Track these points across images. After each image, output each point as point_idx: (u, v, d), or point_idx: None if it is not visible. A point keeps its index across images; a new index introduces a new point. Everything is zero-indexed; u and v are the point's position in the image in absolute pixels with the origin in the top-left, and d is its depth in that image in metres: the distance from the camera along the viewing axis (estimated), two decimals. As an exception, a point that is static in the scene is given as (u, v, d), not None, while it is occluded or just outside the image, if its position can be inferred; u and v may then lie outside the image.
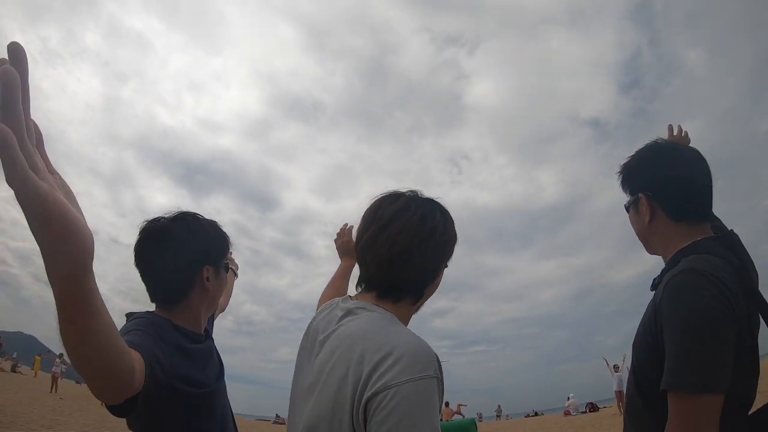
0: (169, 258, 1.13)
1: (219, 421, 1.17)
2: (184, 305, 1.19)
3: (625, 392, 1.32)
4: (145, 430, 1.04)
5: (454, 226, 1.02)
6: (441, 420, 0.94)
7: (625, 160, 1.25)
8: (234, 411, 1.32)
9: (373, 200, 1.02)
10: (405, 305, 0.96)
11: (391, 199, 0.99)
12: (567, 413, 20.74)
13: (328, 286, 1.49)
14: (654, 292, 1.08)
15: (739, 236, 1.12)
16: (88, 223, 0.52)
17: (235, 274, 1.76)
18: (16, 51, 0.44)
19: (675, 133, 1.55)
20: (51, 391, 16.12)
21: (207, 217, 1.28)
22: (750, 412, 1.02)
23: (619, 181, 1.26)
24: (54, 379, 17.25)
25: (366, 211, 1.01)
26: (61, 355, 19.62)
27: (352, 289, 1.06)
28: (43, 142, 0.52)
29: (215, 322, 1.52)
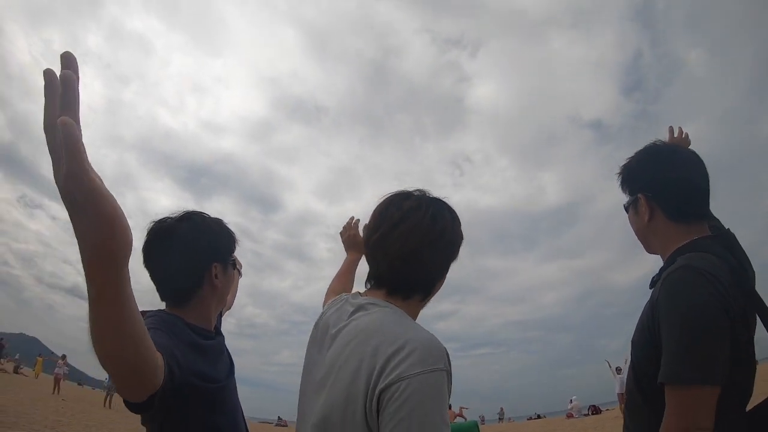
0: (177, 257, 1.16)
1: (230, 416, 1.19)
2: (195, 302, 1.21)
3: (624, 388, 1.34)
4: (160, 427, 1.05)
5: (461, 226, 1.04)
6: None
7: (625, 161, 1.28)
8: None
9: (382, 199, 1.04)
10: (414, 302, 0.99)
11: (400, 197, 1.02)
12: (570, 416, 20.72)
13: (334, 279, 1.52)
14: (652, 290, 1.10)
15: (742, 236, 1.15)
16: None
17: (240, 273, 1.79)
18: (69, 59, 0.53)
19: (675, 134, 1.58)
20: (53, 393, 16.18)
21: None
22: (748, 409, 1.03)
23: (619, 182, 1.29)
24: (56, 381, 17.30)
25: (375, 210, 1.03)
26: (64, 356, 19.70)
27: (357, 285, 1.08)
28: None
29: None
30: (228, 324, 1.41)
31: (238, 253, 1.35)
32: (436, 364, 0.79)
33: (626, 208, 1.29)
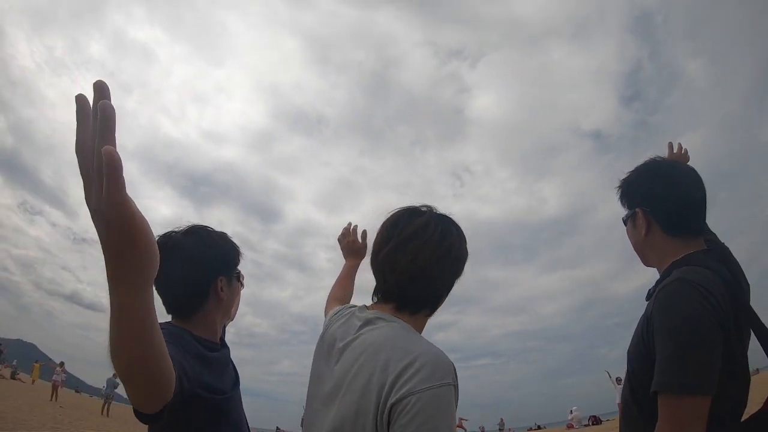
0: (183, 271, 1.18)
1: (235, 427, 1.21)
2: (201, 315, 1.24)
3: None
4: None
5: (466, 244, 1.07)
6: None
7: (624, 176, 1.32)
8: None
9: (390, 214, 1.07)
10: (421, 316, 1.02)
11: (409, 213, 1.04)
12: (570, 426, 20.54)
13: (335, 285, 1.54)
14: (648, 302, 1.13)
15: (743, 243, 1.22)
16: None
17: (242, 285, 1.81)
18: (103, 88, 0.53)
19: (675, 150, 1.63)
20: (51, 399, 16.07)
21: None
22: (742, 420, 1.06)
23: (618, 196, 1.33)
24: (54, 388, 17.18)
25: (383, 225, 1.06)
26: (62, 363, 19.58)
27: (364, 297, 1.09)
28: None
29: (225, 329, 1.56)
30: (227, 333, 1.43)
31: (239, 263, 1.38)
32: (445, 378, 0.81)
33: (624, 222, 1.32)
